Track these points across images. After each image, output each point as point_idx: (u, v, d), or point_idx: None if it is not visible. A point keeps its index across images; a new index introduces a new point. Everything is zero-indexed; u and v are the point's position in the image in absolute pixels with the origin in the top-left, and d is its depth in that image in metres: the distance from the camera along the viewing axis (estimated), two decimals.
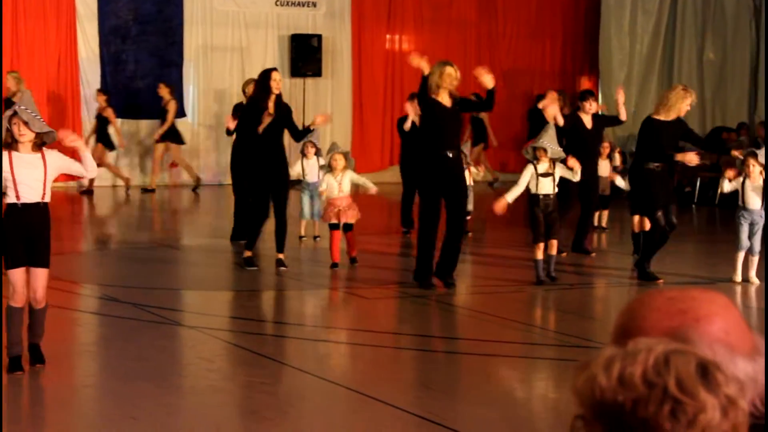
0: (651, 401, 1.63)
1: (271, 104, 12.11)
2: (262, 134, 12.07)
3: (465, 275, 12.82)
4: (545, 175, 11.63)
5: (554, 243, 11.74)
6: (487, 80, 11.20)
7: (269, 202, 12.21)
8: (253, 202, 12.44)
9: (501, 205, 11.52)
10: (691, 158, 11.92)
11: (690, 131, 12.34)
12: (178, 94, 22.14)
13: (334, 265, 12.39)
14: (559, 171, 11.78)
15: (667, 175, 11.97)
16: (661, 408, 1.63)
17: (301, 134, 12.73)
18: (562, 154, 11.87)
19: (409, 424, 6.67)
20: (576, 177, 11.95)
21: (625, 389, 1.65)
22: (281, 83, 12.32)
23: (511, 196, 11.62)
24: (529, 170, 11.69)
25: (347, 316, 10.65)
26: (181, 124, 22.41)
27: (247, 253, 12.33)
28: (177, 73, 22.30)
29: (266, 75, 12.26)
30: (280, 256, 12.33)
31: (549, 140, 11.75)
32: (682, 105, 11.68)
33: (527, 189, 11.78)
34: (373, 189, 12.71)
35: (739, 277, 11.88)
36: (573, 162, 11.81)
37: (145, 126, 22.30)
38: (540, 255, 11.66)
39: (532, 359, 8.66)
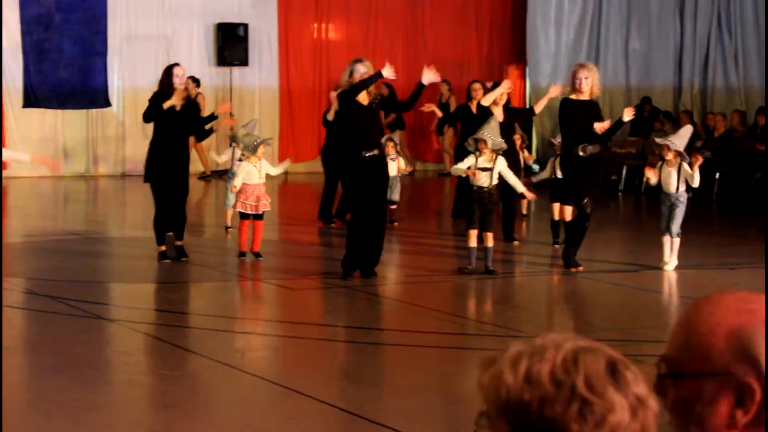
0: (558, 400, 1.59)
1: (177, 99, 11.95)
2: (164, 130, 11.95)
3: (391, 265, 12.81)
4: (483, 169, 11.58)
5: (489, 235, 11.69)
6: (428, 76, 11.18)
7: (170, 194, 12.06)
8: (154, 196, 12.26)
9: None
10: (602, 125, 11.80)
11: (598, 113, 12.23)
12: (102, 84, 21.90)
13: (242, 254, 12.31)
14: (501, 164, 11.69)
15: (595, 162, 11.92)
16: (568, 408, 1.59)
17: (204, 129, 12.61)
18: (504, 145, 11.83)
19: (331, 417, 6.63)
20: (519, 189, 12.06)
21: (532, 387, 1.60)
22: (185, 78, 12.16)
23: (454, 169, 11.73)
24: (470, 160, 11.66)
25: (270, 307, 10.58)
26: (107, 114, 22.19)
27: (161, 248, 12.21)
28: (101, 62, 22.03)
29: (168, 71, 12.12)
30: (180, 243, 12.24)
31: (490, 132, 11.70)
32: (579, 81, 11.66)
33: (465, 178, 11.77)
34: (281, 168, 12.79)
35: (666, 260, 11.98)
36: (509, 178, 11.86)
37: (69, 116, 21.98)
38: (473, 242, 11.63)
39: (456, 349, 8.65)
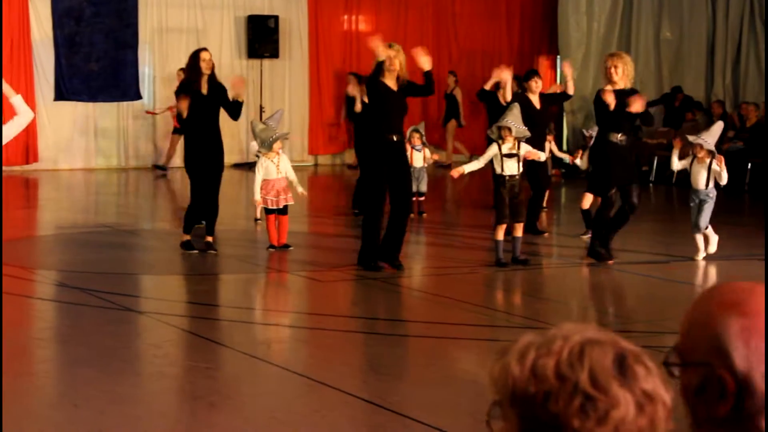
0: (561, 395, 1.58)
1: (204, 85, 11.98)
2: (195, 117, 11.97)
3: (419, 256, 12.82)
4: (510, 155, 11.54)
5: (520, 226, 11.65)
6: (424, 62, 11.10)
7: (204, 185, 12.08)
8: (191, 184, 12.27)
9: (458, 170, 11.50)
10: (637, 102, 11.65)
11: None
12: (133, 76, 21.98)
13: (272, 247, 12.34)
14: (524, 150, 11.68)
15: (628, 152, 11.88)
16: (570, 403, 1.57)
17: (236, 110, 12.44)
18: (527, 133, 11.77)
19: (356, 408, 6.63)
20: (542, 157, 11.96)
21: (537, 381, 1.60)
22: (212, 63, 12.09)
23: (470, 167, 11.63)
24: (493, 149, 11.61)
25: (297, 299, 10.59)
26: (137, 107, 22.28)
27: (185, 237, 12.23)
28: (132, 55, 22.11)
29: (195, 56, 12.08)
30: (209, 239, 12.26)
31: (513, 119, 11.66)
32: (611, 72, 11.58)
33: (492, 169, 11.70)
34: (300, 190, 12.49)
35: (701, 255, 11.95)
36: (533, 154, 11.73)
37: (101, 109, 22.09)
38: (501, 236, 11.59)
39: (483, 341, 8.63)
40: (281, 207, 12.46)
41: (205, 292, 10.62)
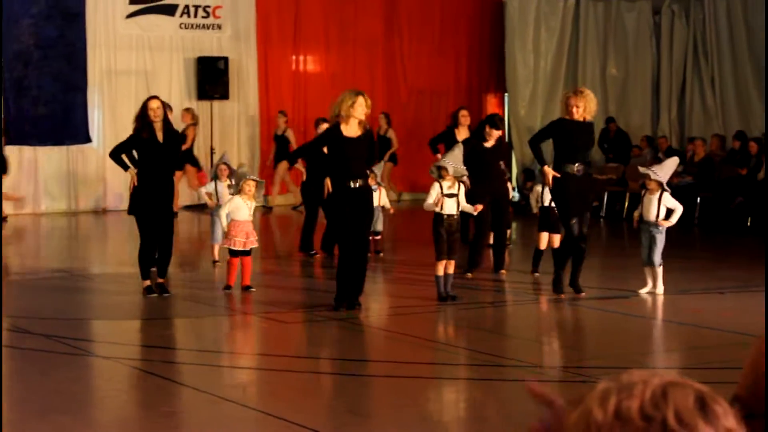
0: None
1: (158, 132, 11.98)
2: (149, 163, 11.98)
3: (379, 295, 12.83)
4: (450, 195, 11.69)
5: (452, 263, 11.81)
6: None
7: (155, 228, 12.07)
8: (139, 230, 12.26)
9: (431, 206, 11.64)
10: (548, 177, 12.00)
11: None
12: (82, 120, 21.87)
13: (228, 288, 12.33)
14: (462, 191, 11.84)
15: (586, 179, 12.02)
16: None
17: (180, 160, 12.52)
18: (465, 173, 11.94)
19: None
20: (474, 212, 12.03)
21: (622, 423, 1.60)
22: (161, 110, 12.08)
23: (429, 204, 11.70)
24: (436, 188, 11.74)
25: (262, 340, 10.56)
26: (87, 150, 22.15)
27: (145, 283, 12.19)
28: (81, 97, 22.00)
29: (143, 106, 12.12)
30: (161, 281, 12.24)
31: (452, 159, 11.81)
32: (573, 107, 11.76)
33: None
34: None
35: (646, 290, 12.04)
36: (476, 208, 11.91)
37: (49, 153, 21.93)
38: (441, 272, 11.73)
39: (450, 380, 8.66)
40: (247, 249, 12.43)
41: (169, 336, 10.56)
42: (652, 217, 11.96)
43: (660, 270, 12.00)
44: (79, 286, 13.37)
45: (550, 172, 11.95)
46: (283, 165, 22.51)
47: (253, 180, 12.70)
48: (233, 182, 13.12)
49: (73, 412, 7.44)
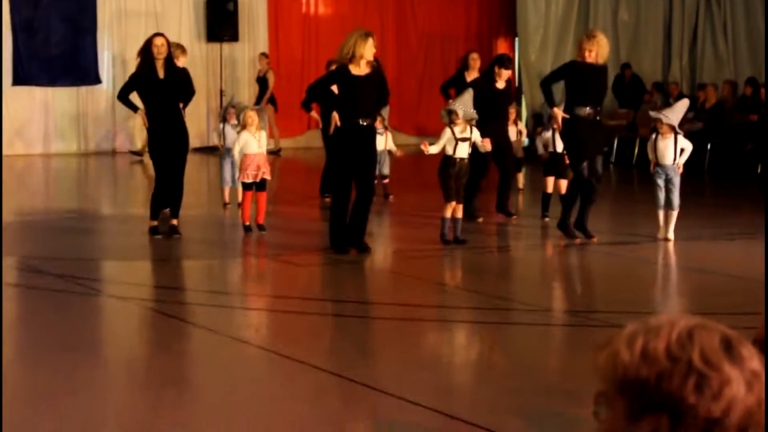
0: (675, 375, 1.63)
1: (160, 70, 11.95)
2: (154, 102, 11.97)
3: (388, 237, 12.89)
4: (463, 139, 11.68)
5: (459, 207, 11.81)
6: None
7: (168, 169, 12.09)
8: (155, 169, 12.29)
9: (425, 147, 11.59)
10: (558, 118, 11.99)
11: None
12: (92, 61, 21.85)
13: (248, 228, 12.36)
14: (476, 134, 11.81)
15: (597, 124, 11.96)
16: (685, 381, 1.63)
17: (189, 98, 12.51)
18: (475, 116, 11.91)
19: (349, 391, 6.66)
20: (487, 148, 11.96)
21: (649, 364, 1.65)
22: (166, 48, 12.02)
23: (432, 149, 11.68)
24: (447, 133, 11.73)
25: (273, 282, 10.63)
26: (97, 92, 22.15)
27: (152, 223, 12.22)
28: (91, 39, 21.99)
29: (148, 42, 12.06)
30: (174, 222, 12.26)
31: (461, 103, 11.80)
32: (587, 50, 11.73)
33: (444, 150, 11.79)
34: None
35: (662, 234, 12.04)
36: (486, 143, 11.84)
37: (59, 93, 21.95)
38: (449, 213, 11.73)
39: (461, 323, 8.73)
40: (259, 181, 12.44)
41: (183, 276, 10.64)
42: (668, 161, 11.91)
43: (675, 214, 11.98)
44: (91, 227, 13.43)
45: (559, 113, 11.91)
46: (270, 108, 22.31)
47: (252, 109, 12.75)
48: (228, 121, 13.21)
49: (88, 349, 7.52)
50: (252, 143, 12.42)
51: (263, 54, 22.55)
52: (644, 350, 1.65)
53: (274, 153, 21.32)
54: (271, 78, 22.17)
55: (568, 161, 12.69)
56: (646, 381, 1.64)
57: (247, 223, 12.41)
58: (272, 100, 22.35)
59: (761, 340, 1.87)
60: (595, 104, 11.85)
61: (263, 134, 12.57)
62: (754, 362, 1.66)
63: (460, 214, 11.84)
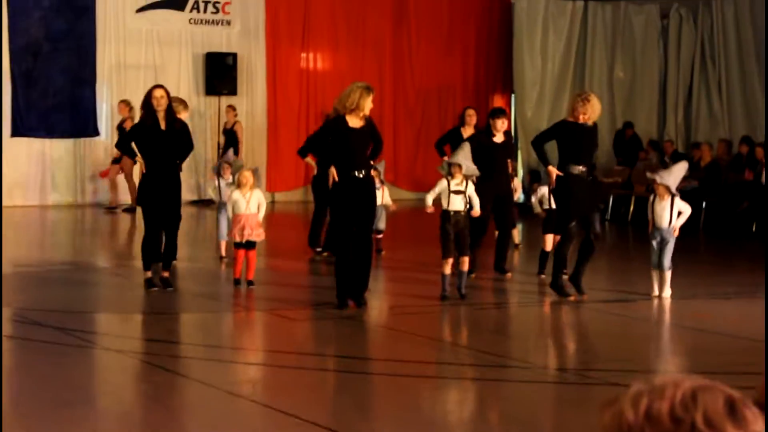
0: None
1: (162, 121, 12.04)
2: (152, 152, 12.03)
3: (384, 293, 12.89)
4: (457, 192, 11.75)
5: (465, 260, 11.82)
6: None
7: (159, 220, 12.12)
8: (144, 220, 12.33)
9: (428, 207, 11.78)
10: (552, 176, 12.10)
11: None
12: (90, 112, 21.93)
13: (237, 282, 12.39)
14: (471, 189, 11.89)
15: (590, 182, 12.04)
16: None
17: (186, 153, 12.59)
18: (476, 172, 12.00)
19: None
20: (475, 211, 11.98)
21: (653, 425, 1.65)
22: (166, 99, 12.09)
23: (428, 198, 11.90)
24: (443, 183, 11.81)
25: (269, 337, 10.62)
26: (95, 143, 22.23)
27: (147, 274, 12.23)
28: (90, 91, 22.09)
29: (148, 94, 12.18)
30: (165, 274, 12.28)
31: (464, 157, 11.89)
32: (581, 111, 11.83)
33: (439, 204, 11.85)
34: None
35: (656, 292, 12.07)
36: (475, 212, 11.90)
37: (57, 145, 22.03)
38: (448, 270, 11.73)
39: (457, 379, 8.72)
40: (248, 241, 12.47)
41: (178, 330, 10.64)
42: (664, 224, 11.97)
43: (669, 273, 12.02)
44: (86, 279, 13.43)
45: (554, 171, 11.99)
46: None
47: (248, 170, 12.81)
48: (223, 175, 13.30)
49: (84, 403, 7.52)
50: (240, 203, 12.48)
51: (230, 106, 22.54)
52: (648, 411, 1.66)
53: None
54: (239, 130, 22.21)
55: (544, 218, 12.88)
56: None
57: (237, 277, 12.46)
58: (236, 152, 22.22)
59: (762, 402, 1.87)
60: (588, 162, 11.94)
61: (256, 194, 12.58)
62: (759, 425, 1.66)
63: (465, 267, 11.83)
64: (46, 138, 21.94)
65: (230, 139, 21.99)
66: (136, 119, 21.58)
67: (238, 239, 12.46)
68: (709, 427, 1.63)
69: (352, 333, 10.52)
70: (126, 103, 21.20)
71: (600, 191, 12.45)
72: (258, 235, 12.55)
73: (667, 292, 12.04)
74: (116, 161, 21.15)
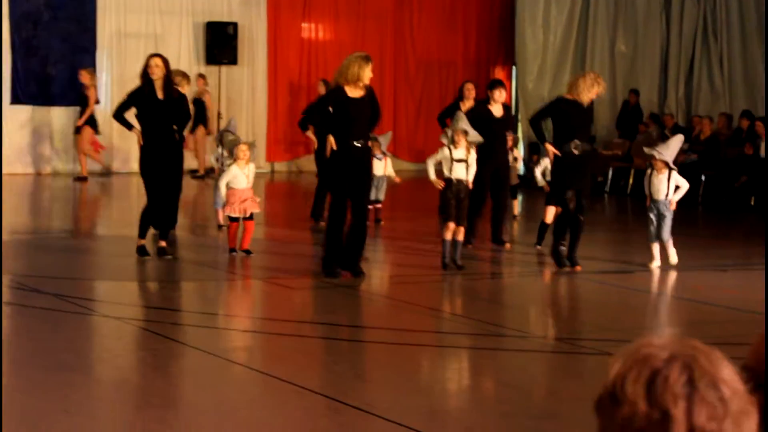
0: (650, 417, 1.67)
1: (159, 90, 11.99)
2: (150, 121, 12.01)
3: (382, 262, 12.92)
4: (459, 160, 11.76)
5: (461, 230, 11.85)
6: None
7: (160, 189, 12.11)
8: (146, 189, 12.29)
9: (434, 180, 11.79)
10: (550, 153, 12.17)
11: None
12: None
13: (232, 251, 12.42)
14: (472, 158, 11.88)
15: (586, 160, 12.09)
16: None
17: (184, 121, 12.56)
18: (480, 138, 12.00)
19: (342, 415, 6.68)
20: (468, 182, 12.00)
21: (651, 401, 1.68)
22: (163, 68, 12.02)
23: (429, 162, 11.97)
24: (444, 151, 11.81)
25: (267, 305, 10.66)
26: (96, 112, 22.19)
27: (141, 242, 12.22)
28: (90, 59, 22.05)
29: (146, 63, 12.13)
30: (162, 243, 12.28)
31: (467, 125, 11.90)
32: (589, 94, 11.89)
33: (441, 172, 11.86)
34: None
35: (656, 263, 12.09)
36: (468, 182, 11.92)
37: (57, 113, 22.03)
38: (449, 235, 11.74)
39: (454, 348, 8.76)
40: (248, 215, 12.50)
41: (178, 297, 10.67)
42: (661, 196, 12.03)
43: (670, 243, 12.08)
44: (85, 246, 13.47)
45: (551, 148, 12.07)
46: (201, 130, 21.92)
47: (245, 144, 12.80)
48: (230, 152, 13.21)
49: (82, 370, 7.56)
50: (241, 179, 12.47)
51: (201, 75, 22.22)
52: (648, 387, 1.68)
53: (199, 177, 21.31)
54: (208, 100, 22.04)
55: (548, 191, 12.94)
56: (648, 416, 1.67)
57: (232, 247, 12.48)
58: (205, 122, 22.07)
59: (749, 366, 1.88)
60: (582, 138, 11.98)
61: (252, 168, 12.60)
62: (743, 399, 1.68)
63: (460, 237, 11.87)
64: (46, 106, 21.92)
65: (199, 109, 21.75)
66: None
67: (238, 214, 12.46)
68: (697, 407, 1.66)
69: (349, 302, 10.56)
70: (88, 71, 21.11)
71: (592, 165, 12.55)
72: (255, 206, 12.57)
73: (674, 258, 12.11)
74: (77, 131, 21.09)
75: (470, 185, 11.91)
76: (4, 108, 21.05)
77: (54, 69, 21.85)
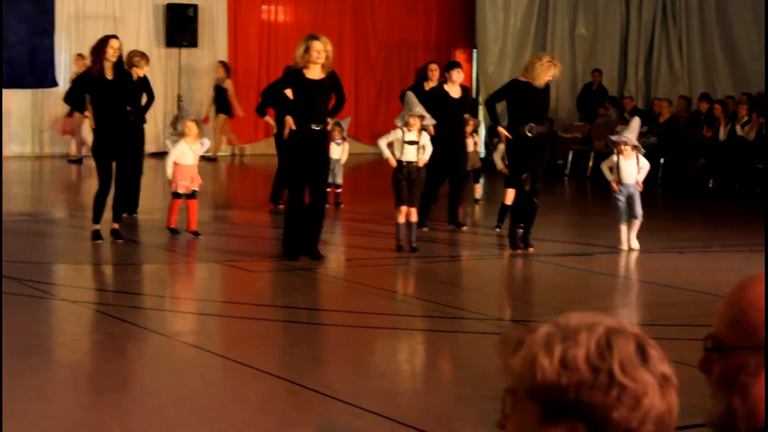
0: (596, 386, 1.61)
1: (109, 71, 11.88)
2: (101, 103, 11.91)
3: (340, 245, 12.92)
4: (411, 143, 11.80)
5: (413, 211, 11.89)
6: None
7: (111, 171, 12.02)
8: (97, 172, 12.20)
9: (388, 157, 11.87)
10: (502, 136, 12.25)
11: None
12: (49, 64, 21.73)
13: (174, 231, 12.36)
14: (425, 139, 11.92)
15: (541, 142, 12.13)
16: (608, 393, 1.61)
17: (139, 102, 12.50)
18: (433, 120, 12.07)
19: (300, 397, 6.69)
20: (421, 160, 12.02)
21: (569, 372, 1.62)
22: (119, 51, 11.92)
23: (381, 141, 12.10)
24: (397, 133, 11.84)
25: (225, 288, 10.65)
26: (53, 94, 22.04)
27: (95, 226, 12.12)
28: (48, 41, 21.85)
29: (104, 41, 11.96)
30: (115, 226, 12.19)
31: (422, 109, 11.94)
32: (545, 76, 11.91)
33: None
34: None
35: (625, 246, 12.15)
36: (422, 160, 11.94)
37: (16, 96, 21.86)
38: (402, 219, 11.80)
39: (411, 330, 8.78)
40: (191, 192, 12.47)
41: (136, 281, 10.65)
42: (631, 180, 12.14)
43: (638, 222, 12.13)
44: (43, 230, 13.38)
45: (503, 131, 12.12)
46: (222, 117, 22.17)
47: (192, 120, 12.76)
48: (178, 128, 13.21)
49: (40, 354, 7.53)
50: (188, 154, 12.44)
51: (221, 62, 22.41)
52: (564, 358, 1.62)
53: (208, 159, 21.29)
54: (230, 87, 22.11)
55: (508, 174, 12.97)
56: (565, 390, 1.62)
57: (173, 227, 12.43)
58: (228, 110, 22.27)
59: (716, 334, 1.90)
60: (537, 122, 12.01)
61: (198, 145, 12.53)
62: (665, 366, 1.67)
63: (413, 218, 11.90)
64: (4, 89, 21.70)
65: (219, 95, 21.91)
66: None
67: (182, 191, 12.43)
68: (625, 374, 1.62)
69: (307, 285, 10.56)
70: (82, 57, 21.00)
71: (548, 148, 12.64)
72: (198, 184, 12.57)
73: (635, 241, 12.14)
74: (70, 114, 21.00)
75: (420, 164, 11.92)
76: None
77: (12, 51, 21.63)
